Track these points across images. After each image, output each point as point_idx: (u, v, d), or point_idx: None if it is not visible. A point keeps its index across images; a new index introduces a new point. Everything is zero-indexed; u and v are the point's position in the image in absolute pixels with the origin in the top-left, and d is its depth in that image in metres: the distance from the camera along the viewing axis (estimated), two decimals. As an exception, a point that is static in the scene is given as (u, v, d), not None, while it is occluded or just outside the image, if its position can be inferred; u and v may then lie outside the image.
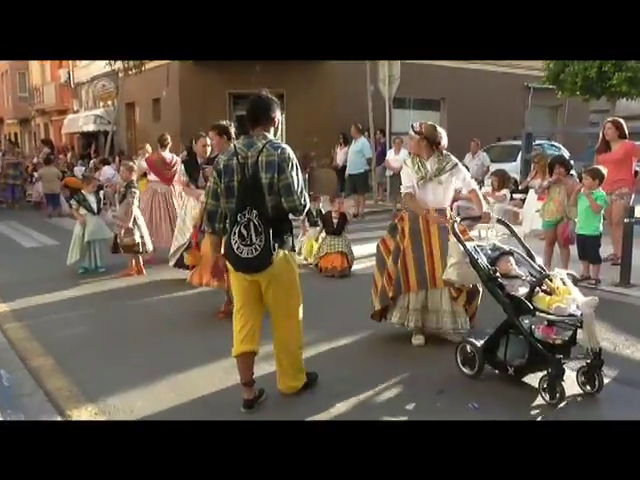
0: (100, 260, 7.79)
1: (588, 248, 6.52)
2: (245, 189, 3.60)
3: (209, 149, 6.50)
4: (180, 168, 6.65)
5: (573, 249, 6.85)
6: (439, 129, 4.78)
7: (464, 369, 4.30)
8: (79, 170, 16.91)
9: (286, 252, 3.72)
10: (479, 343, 4.21)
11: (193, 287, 6.18)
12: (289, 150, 3.65)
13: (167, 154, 8.52)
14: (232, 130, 5.59)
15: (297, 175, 3.63)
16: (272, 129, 3.76)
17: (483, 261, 4.19)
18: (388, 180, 13.47)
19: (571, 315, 3.79)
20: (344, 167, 13.74)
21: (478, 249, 4.28)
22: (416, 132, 4.77)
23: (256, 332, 3.82)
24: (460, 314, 4.83)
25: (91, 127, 23.02)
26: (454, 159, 4.83)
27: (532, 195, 8.73)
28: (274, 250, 3.57)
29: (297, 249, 7.63)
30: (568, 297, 3.83)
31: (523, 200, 9.47)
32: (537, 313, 3.84)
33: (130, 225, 7.46)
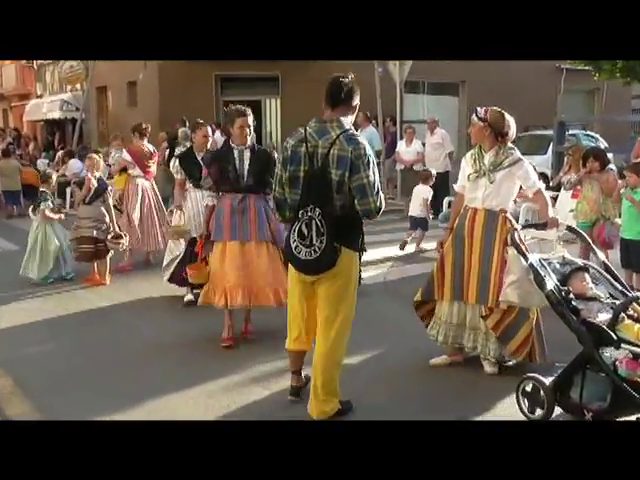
0: (70, 266, 7.79)
1: (632, 254, 6.44)
2: (311, 182, 3.75)
3: (211, 140, 6.57)
4: (174, 164, 6.44)
5: (612, 254, 6.82)
6: (507, 117, 4.71)
7: (527, 412, 4.01)
8: (42, 163, 16.89)
9: (352, 253, 3.88)
10: (547, 380, 3.94)
11: (169, 302, 6.17)
12: (365, 145, 3.76)
13: (148, 145, 8.61)
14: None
15: (374, 174, 3.74)
16: (350, 117, 3.91)
17: (552, 279, 3.95)
18: (399, 175, 13.45)
19: None
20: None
21: (545, 263, 4.06)
22: (480, 118, 4.71)
23: (309, 333, 4.08)
24: (491, 337, 4.70)
25: (57, 114, 23.04)
26: (517, 154, 4.72)
27: (565, 193, 8.73)
28: (338, 252, 3.73)
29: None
30: None
31: (555, 198, 9.46)
32: (622, 345, 3.55)
33: (117, 229, 7.59)
